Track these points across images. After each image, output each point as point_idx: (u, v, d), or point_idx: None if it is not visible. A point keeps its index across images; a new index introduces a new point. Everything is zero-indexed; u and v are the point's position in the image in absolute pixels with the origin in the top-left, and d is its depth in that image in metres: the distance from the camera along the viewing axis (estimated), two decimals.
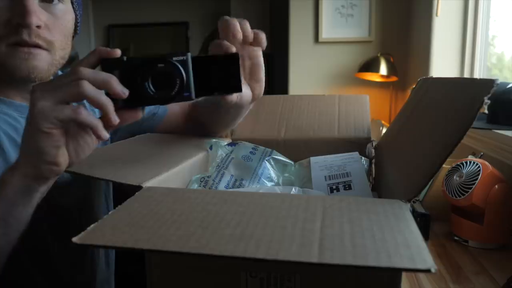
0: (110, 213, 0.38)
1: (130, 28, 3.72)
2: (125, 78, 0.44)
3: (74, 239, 0.32)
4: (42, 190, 0.48)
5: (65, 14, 0.62)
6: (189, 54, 0.46)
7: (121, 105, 0.44)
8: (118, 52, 0.45)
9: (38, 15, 0.56)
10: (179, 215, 0.37)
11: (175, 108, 0.85)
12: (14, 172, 0.46)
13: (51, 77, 0.64)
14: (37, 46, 0.58)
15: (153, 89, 0.44)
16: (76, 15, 0.66)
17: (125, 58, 0.44)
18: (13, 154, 0.59)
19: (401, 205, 0.39)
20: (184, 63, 0.45)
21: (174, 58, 0.45)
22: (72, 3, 0.64)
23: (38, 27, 0.57)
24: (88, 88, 0.42)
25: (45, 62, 0.60)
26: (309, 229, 0.33)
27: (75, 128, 0.45)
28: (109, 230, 0.34)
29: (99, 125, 0.43)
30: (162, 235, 0.33)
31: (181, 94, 0.45)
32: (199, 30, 3.56)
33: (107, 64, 0.44)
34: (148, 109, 0.81)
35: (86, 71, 0.42)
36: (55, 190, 0.65)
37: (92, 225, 0.35)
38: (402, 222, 0.35)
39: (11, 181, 0.46)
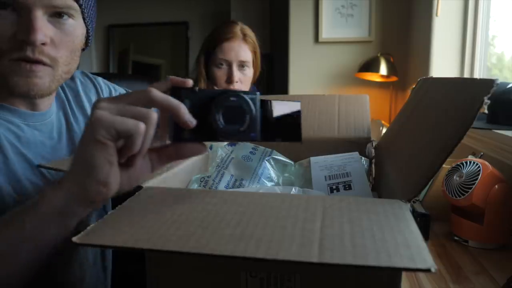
0: (109, 213, 0.38)
1: (130, 28, 3.72)
2: (195, 109, 0.42)
3: (74, 239, 0.32)
4: (83, 215, 0.44)
5: (75, 30, 0.61)
6: (258, 93, 0.45)
7: (186, 137, 0.42)
8: (190, 83, 0.43)
9: (44, 32, 0.55)
10: (179, 215, 0.37)
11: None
12: (57, 189, 0.42)
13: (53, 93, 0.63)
14: (40, 63, 0.57)
15: (223, 122, 0.42)
16: (88, 29, 0.65)
17: (197, 88, 0.43)
18: (16, 163, 0.59)
19: (401, 205, 0.39)
20: (254, 101, 0.44)
21: (246, 95, 0.44)
22: (83, 18, 0.62)
23: (44, 44, 0.56)
24: (156, 93, 0.40)
25: (47, 79, 0.59)
26: (309, 229, 0.33)
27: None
28: (109, 230, 0.34)
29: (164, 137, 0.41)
30: (162, 235, 0.33)
31: (248, 133, 0.44)
32: (199, 30, 3.56)
33: (177, 93, 0.42)
34: None
35: (155, 91, 0.40)
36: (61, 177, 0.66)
37: (91, 225, 0.35)
38: (402, 222, 0.35)
39: (52, 199, 0.42)
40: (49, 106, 0.67)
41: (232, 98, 0.43)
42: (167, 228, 0.34)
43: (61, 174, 0.63)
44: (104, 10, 3.52)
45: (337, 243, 0.31)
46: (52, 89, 0.61)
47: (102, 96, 0.79)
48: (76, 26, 0.61)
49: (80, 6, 0.60)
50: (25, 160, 0.60)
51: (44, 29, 0.55)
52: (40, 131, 0.65)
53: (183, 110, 0.40)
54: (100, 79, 0.81)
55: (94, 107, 0.40)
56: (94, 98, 0.77)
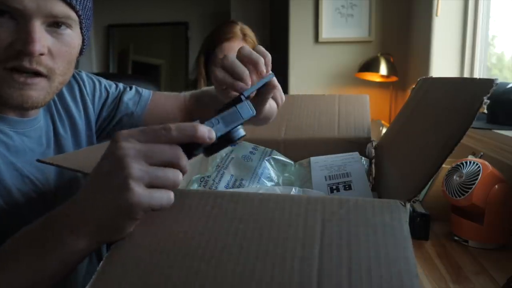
0: (115, 245, 0.38)
1: (130, 28, 3.72)
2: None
3: None
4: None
5: (72, 40, 0.59)
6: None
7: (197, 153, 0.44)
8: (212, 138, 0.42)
9: (42, 43, 0.54)
10: (181, 241, 0.37)
11: (166, 102, 0.85)
12: (77, 234, 0.39)
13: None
14: (37, 73, 0.56)
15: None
16: (83, 39, 0.64)
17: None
18: (6, 173, 0.57)
19: (400, 212, 0.39)
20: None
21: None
22: (81, 28, 0.61)
23: (41, 54, 0.55)
24: (174, 134, 0.40)
25: (42, 91, 0.57)
26: (307, 259, 0.34)
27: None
28: (117, 277, 0.35)
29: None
30: (167, 280, 0.34)
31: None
32: (199, 30, 3.56)
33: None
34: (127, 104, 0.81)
35: (173, 132, 0.40)
36: (54, 188, 0.65)
37: (100, 266, 0.35)
38: (400, 245, 0.35)
39: (74, 245, 0.39)
40: (37, 111, 0.66)
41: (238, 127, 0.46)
42: (171, 268, 0.35)
43: (51, 178, 0.63)
44: (104, 10, 3.53)
45: (335, 284, 0.32)
46: (47, 100, 0.60)
47: (85, 91, 0.76)
48: (73, 37, 0.60)
49: (78, 16, 0.59)
50: (15, 169, 0.59)
51: (42, 39, 0.54)
52: (29, 137, 0.63)
53: (201, 133, 0.40)
54: (83, 74, 0.78)
55: (123, 163, 0.37)
56: (78, 95, 0.75)
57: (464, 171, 0.87)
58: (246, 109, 0.47)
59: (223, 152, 0.72)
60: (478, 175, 0.83)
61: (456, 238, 0.87)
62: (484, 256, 0.80)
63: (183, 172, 0.41)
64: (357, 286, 0.32)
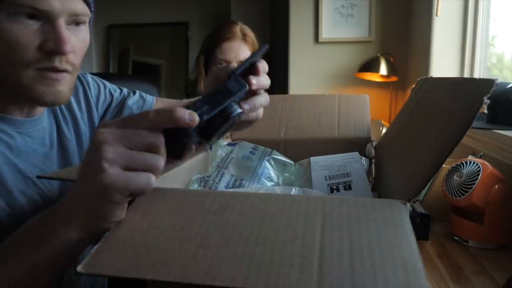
0: (112, 231, 0.38)
1: (130, 28, 3.72)
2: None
3: (79, 269, 0.32)
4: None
5: (86, 35, 0.62)
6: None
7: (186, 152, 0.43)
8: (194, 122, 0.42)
9: (71, 42, 0.56)
10: (180, 230, 0.37)
11: (168, 107, 0.85)
12: (69, 226, 0.41)
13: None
14: (65, 71, 0.58)
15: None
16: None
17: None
18: (8, 174, 0.57)
19: (401, 209, 0.39)
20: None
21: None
22: (89, 23, 0.63)
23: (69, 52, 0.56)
24: (156, 118, 0.40)
25: (68, 86, 0.59)
26: (308, 245, 0.34)
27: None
28: (112, 256, 0.35)
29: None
30: (164, 259, 0.33)
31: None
32: (199, 30, 3.56)
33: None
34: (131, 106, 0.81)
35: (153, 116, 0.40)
36: (57, 189, 0.65)
37: (95, 249, 0.35)
38: (402, 234, 0.35)
39: (66, 236, 0.41)
40: (42, 111, 0.66)
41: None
42: (169, 250, 0.34)
43: (53, 182, 0.63)
44: (104, 10, 3.53)
45: (336, 267, 0.31)
46: (70, 95, 0.62)
47: (90, 94, 0.77)
48: (87, 32, 0.62)
49: (91, 12, 0.61)
50: (17, 171, 0.59)
51: (70, 39, 0.56)
52: (33, 137, 0.63)
53: (179, 114, 0.40)
54: (88, 76, 0.79)
55: (99, 147, 0.38)
56: (82, 97, 0.76)
57: (464, 171, 0.87)
58: (235, 84, 0.45)
59: (223, 152, 0.72)
60: (478, 175, 0.83)
61: (456, 238, 0.87)
62: (484, 256, 0.80)
63: (163, 157, 0.41)
64: (359, 266, 0.31)
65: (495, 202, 0.81)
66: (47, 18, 0.54)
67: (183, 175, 0.63)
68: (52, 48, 0.54)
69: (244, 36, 1.32)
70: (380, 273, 0.30)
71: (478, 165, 0.85)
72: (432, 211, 0.91)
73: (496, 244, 0.83)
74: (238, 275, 0.31)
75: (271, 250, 0.34)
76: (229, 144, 0.74)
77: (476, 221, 0.84)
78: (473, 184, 0.83)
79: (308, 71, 2.35)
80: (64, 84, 0.58)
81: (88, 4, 0.59)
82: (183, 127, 0.40)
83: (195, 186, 0.64)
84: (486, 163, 0.86)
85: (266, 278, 0.31)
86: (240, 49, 1.30)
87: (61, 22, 0.55)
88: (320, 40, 2.31)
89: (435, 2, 1.86)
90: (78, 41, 0.59)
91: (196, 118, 0.41)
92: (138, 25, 3.69)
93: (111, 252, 0.35)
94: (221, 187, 0.64)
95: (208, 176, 0.65)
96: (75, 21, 0.58)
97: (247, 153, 0.70)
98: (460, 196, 0.84)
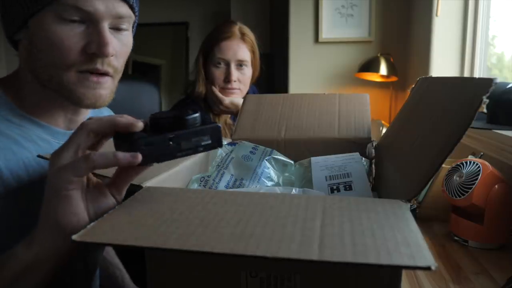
0: (110, 211, 0.38)
1: None
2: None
3: (74, 237, 0.33)
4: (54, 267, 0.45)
5: (130, 40, 0.62)
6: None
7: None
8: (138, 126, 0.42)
9: (113, 45, 0.56)
10: (179, 214, 0.37)
11: None
12: (31, 245, 0.43)
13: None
14: (106, 74, 0.58)
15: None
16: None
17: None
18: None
19: (401, 204, 0.40)
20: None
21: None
22: (132, 27, 0.64)
23: (111, 55, 0.57)
24: (93, 124, 0.42)
25: (109, 89, 0.60)
26: (309, 228, 0.34)
27: (92, 190, 0.43)
28: (109, 228, 0.35)
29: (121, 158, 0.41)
30: (162, 233, 0.33)
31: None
32: (199, 30, 3.55)
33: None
34: None
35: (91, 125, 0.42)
36: None
37: (91, 223, 0.35)
38: (402, 221, 0.35)
39: (48, 239, 0.42)
40: None
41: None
42: (167, 227, 0.34)
43: None
44: None
45: (337, 241, 0.31)
46: (111, 99, 0.62)
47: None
48: (130, 36, 0.63)
49: (135, 15, 0.63)
50: None
51: (113, 42, 0.57)
52: None
53: (120, 120, 0.42)
54: (105, 110, 0.80)
55: (51, 167, 0.42)
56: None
57: (464, 171, 0.87)
58: (194, 122, 0.43)
59: (223, 152, 0.72)
60: (478, 175, 0.83)
61: (456, 238, 0.87)
62: (484, 256, 0.80)
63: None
64: (360, 241, 0.31)
65: (495, 202, 0.81)
66: (91, 21, 0.55)
67: (183, 175, 0.63)
68: (94, 50, 0.55)
69: (242, 35, 1.32)
70: (383, 247, 0.30)
71: (478, 165, 0.85)
72: (432, 211, 0.91)
73: (496, 244, 0.83)
74: (237, 246, 0.31)
75: (271, 231, 0.33)
76: (229, 144, 0.74)
77: (476, 221, 0.84)
78: (473, 184, 0.83)
79: (308, 71, 2.35)
80: (105, 88, 0.59)
81: (131, 7, 0.60)
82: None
83: (195, 186, 0.64)
84: (486, 163, 0.86)
85: (266, 249, 0.30)
86: (238, 48, 1.30)
87: (104, 25, 0.56)
88: (320, 40, 2.31)
89: (435, 2, 1.86)
90: (120, 45, 0.60)
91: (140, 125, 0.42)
92: (138, 25, 3.68)
93: (109, 226, 0.35)
94: (221, 186, 0.64)
95: (208, 176, 0.65)
96: (119, 25, 0.59)
97: (247, 153, 0.70)
98: (460, 196, 0.84)
